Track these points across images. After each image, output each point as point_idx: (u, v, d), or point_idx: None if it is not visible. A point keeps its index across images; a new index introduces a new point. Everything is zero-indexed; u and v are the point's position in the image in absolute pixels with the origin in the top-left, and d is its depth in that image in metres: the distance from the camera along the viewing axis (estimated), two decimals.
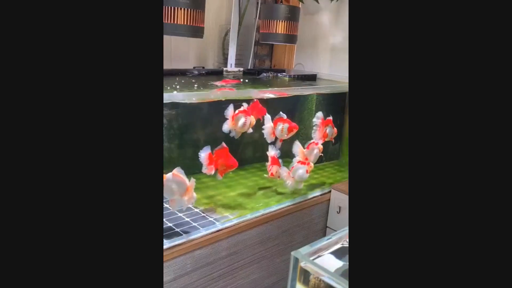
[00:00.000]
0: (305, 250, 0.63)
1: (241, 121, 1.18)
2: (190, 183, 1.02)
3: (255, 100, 1.24)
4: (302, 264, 0.56)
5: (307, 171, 1.30)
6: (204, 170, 1.14)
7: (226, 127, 1.20)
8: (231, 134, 1.22)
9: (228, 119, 1.20)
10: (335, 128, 1.44)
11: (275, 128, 1.29)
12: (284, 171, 1.31)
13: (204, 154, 1.13)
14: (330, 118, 1.42)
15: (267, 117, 1.29)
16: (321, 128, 1.39)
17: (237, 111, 1.20)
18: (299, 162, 1.32)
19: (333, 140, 1.48)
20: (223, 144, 1.16)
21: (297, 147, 1.33)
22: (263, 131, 1.30)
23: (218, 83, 1.36)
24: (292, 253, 0.56)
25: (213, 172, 1.16)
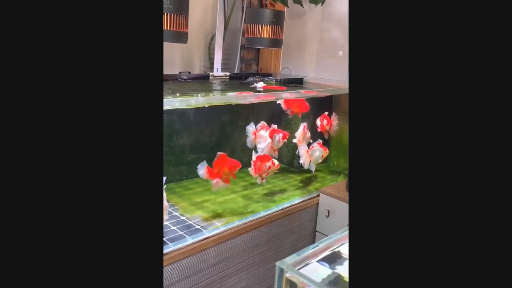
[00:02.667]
0: (291, 259, 0.62)
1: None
2: None
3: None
4: (287, 274, 0.54)
5: (322, 156, 1.42)
6: (214, 188, 1.16)
7: (250, 143, 1.30)
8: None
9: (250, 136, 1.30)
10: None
11: (272, 140, 1.30)
12: (303, 149, 1.39)
13: (202, 171, 1.14)
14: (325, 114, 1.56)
15: (263, 134, 1.29)
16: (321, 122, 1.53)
17: (259, 127, 1.29)
18: (318, 144, 1.43)
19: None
20: (218, 153, 1.16)
21: (300, 130, 1.42)
22: (259, 147, 1.30)
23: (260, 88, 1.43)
24: (277, 263, 0.55)
25: (221, 184, 1.17)
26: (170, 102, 0.96)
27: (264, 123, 1.36)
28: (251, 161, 1.29)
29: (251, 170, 1.29)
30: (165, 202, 0.98)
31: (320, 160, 1.45)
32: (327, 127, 1.53)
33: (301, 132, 1.43)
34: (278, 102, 1.46)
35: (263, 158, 1.28)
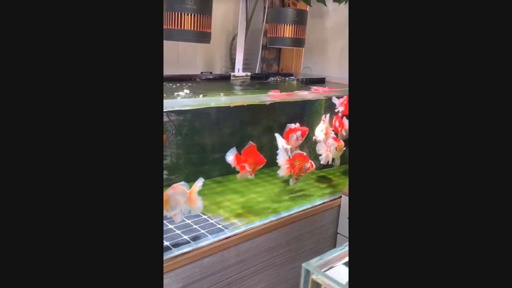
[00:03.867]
0: (316, 261, 0.61)
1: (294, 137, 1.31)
2: (192, 187, 1.01)
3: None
4: (313, 276, 0.54)
5: (336, 148, 1.42)
6: (239, 175, 1.18)
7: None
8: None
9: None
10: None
11: (288, 140, 1.29)
12: (322, 145, 1.39)
13: (231, 156, 1.15)
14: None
15: (278, 137, 1.29)
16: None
17: (287, 128, 1.29)
18: (333, 138, 1.43)
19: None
20: (250, 142, 1.17)
21: (321, 126, 1.43)
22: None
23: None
24: (303, 264, 0.54)
25: (247, 173, 1.17)
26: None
27: (292, 125, 1.33)
28: (281, 161, 1.26)
29: (286, 169, 1.25)
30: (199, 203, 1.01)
31: (340, 152, 1.44)
32: (339, 128, 1.50)
33: (325, 127, 1.41)
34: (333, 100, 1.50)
35: (302, 158, 1.28)
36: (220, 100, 1.11)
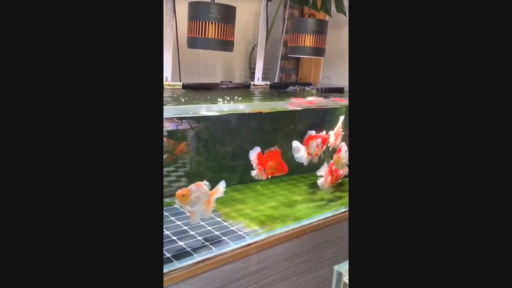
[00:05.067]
0: (344, 265, 0.60)
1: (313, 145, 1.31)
2: (215, 189, 1.03)
3: None
4: (345, 279, 0.53)
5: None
6: (253, 173, 1.19)
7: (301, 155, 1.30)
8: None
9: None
10: None
11: (308, 147, 1.30)
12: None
13: (254, 154, 1.16)
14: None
15: (297, 144, 1.30)
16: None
17: (308, 135, 1.30)
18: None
19: None
20: (276, 147, 1.19)
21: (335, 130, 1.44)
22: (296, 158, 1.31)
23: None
24: (335, 267, 0.54)
25: (263, 175, 1.19)
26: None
27: (313, 132, 1.34)
28: (324, 172, 1.29)
29: (329, 180, 1.30)
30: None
31: None
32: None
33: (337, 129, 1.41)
34: None
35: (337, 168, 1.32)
36: (258, 106, 1.14)
